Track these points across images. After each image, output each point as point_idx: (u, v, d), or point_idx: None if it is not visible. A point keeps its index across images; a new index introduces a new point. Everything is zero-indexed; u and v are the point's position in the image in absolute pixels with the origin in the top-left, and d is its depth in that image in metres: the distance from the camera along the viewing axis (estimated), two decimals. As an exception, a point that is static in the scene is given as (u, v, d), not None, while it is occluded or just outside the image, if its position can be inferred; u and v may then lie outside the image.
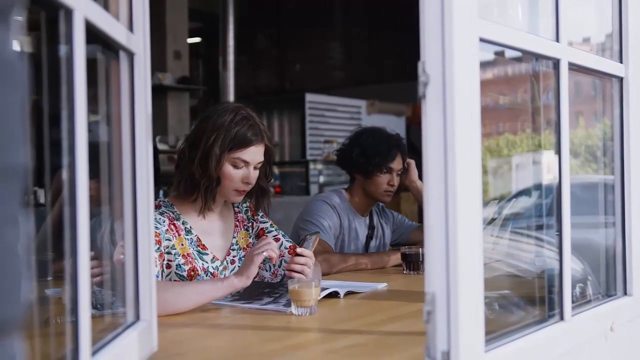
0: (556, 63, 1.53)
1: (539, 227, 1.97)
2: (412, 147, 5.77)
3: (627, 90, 1.83)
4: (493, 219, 2.27)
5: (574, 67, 1.60)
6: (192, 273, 2.20)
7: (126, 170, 1.37)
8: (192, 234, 2.26)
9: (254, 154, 2.24)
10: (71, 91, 1.01)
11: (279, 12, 10.43)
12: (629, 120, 1.83)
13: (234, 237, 2.38)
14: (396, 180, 3.06)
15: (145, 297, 1.40)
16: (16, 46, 0.59)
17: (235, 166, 2.22)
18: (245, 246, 2.40)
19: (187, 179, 2.23)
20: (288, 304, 1.94)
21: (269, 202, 2.40)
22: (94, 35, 1.12)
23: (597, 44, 2.13)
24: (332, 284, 2.20)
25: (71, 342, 1.02)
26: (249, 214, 2.45)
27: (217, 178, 2.21)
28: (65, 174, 1.02)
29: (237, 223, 2.41)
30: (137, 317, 1.39)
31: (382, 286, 2.38)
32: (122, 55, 1.35)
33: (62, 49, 1.02)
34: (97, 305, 1.38)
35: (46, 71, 1.04)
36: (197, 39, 10.36)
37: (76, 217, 1.01)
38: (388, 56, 9.44)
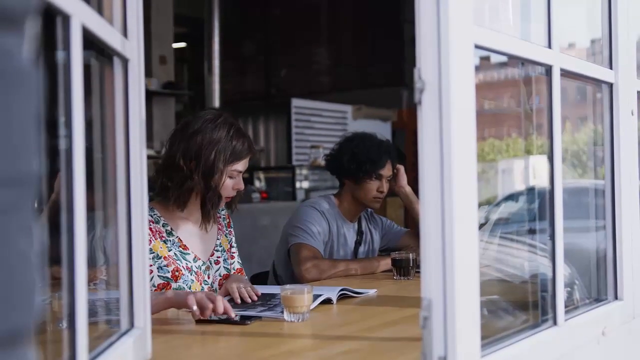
0: (548, 69, 1.54)
1: (528, 232, 1.98)
2: (398, 152, 5.77)
3: (617, 96, 1.85)
4: (482, 224, 2.28)
5: (565, 73, 1.61)
6: (177, 273, 2.25)
7: (120, 178, 1.37)
8: (173, 235, 2.30)
9: (246, 163, 2.35)
10: (68, 97, 1.01)
11: (264, 18, 10.43)
12: (619, 125, 1.85)
13: (218, 239, 2.45)
14: (385, 187, 3.06)
15: (139, 305, 1.39)
16: (29, 54, 0.59)
17: (231, 177, 2.31)
18: (226, 249, 2.48)
19: (186, 192, 2.27)
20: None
21: (239, 199, 2.47)
22: (89, 41, 1.12)
23: (585, 49, 2.14)
24: (324, 290, 2.20)
25: (68, 350, 1.02)
26: (225, 222, 2.53)
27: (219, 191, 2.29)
28: (62, 180, 1.02)
29: (220, 226, 2.49)
30: (132, 325, 1.38)
31: (372, 292, 2.38)
32: (116, 61, 1.34)
33: (59, 55, 1.02)
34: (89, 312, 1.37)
35: (42, 76, 1.04)
36: (182, 44, 10.34)
37: (73, 224, 1.01)
38: (374, 61, 9.47)
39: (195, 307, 1.83)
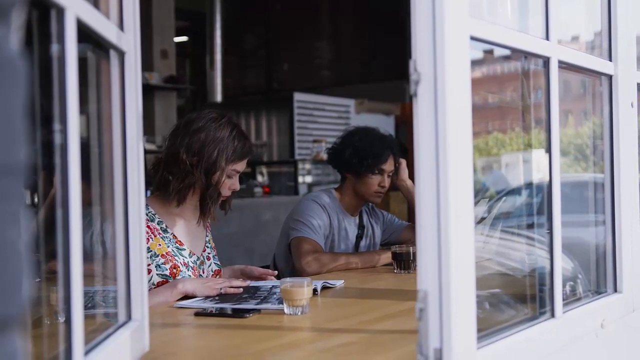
0: (546, 61, 1.54)
1: (529, 226, 1.98)
2: (401, 147, 5.78)
3: (616, 88, 1.84)
4: (483, 218, 2.28)
5: (563, 65, 1.60)
6: (174, 270, 2.28)
7: (117, 171, 1.37)
8: (168, 232, 2.33)
9: (245, 164, 2.40)
10: (63, 90, 1.01)
11: (266, 11, 10.43)
12: (618, 118, 1.84)
13: (207, 236, 2.50)
14: (387, 182, 3.06)
15: (136, 297, 1.40)
16: (16, 45, 0.59)
17: (229, 176, 2.35)
18: (213, 246, 2.53)
19: (187, 187, 2.30)
20: (281, 302, 1.93)
21: (232, 199, 2.49)
22: (84, 34, 1.12)
23: (586, 42, 2.14)
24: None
25: (64, 342, 1.02)
26: (209, 222, 2.55)
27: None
28: (57, 175, 1.02)
29: (208, 224, 2.52)
30: (129, 317, 1.38)
31: (339, 283, 2.41)
32: (113, 55, 1.34)
33: (54, 48, 1.02)
34: (87, 305, 1.37)
35: (36, 70, 1.04)
36: (184, 38, 10.34)
37: (69, 218, 1.01)
38: (376, 55, 9.46)
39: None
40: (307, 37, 10.09)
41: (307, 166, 7.80)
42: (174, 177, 2.29)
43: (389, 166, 3.06)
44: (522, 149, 2.00)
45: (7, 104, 0.56)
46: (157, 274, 2.24)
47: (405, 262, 2.69)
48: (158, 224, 2.32)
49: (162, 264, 2.25)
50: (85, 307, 1.14)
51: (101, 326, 1.35)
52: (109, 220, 1.41)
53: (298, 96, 8.37)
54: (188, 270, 2.30)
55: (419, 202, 1.19)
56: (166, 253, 2.27)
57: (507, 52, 1.58)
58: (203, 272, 2.39)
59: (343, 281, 2.45)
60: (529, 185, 2.14)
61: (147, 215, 2.29)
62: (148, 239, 2.24)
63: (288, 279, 1.98)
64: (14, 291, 0.56)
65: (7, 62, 0.56)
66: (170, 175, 2.29)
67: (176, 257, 2.29)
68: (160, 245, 2.28)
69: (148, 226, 2.26)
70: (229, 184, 2.36)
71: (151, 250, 2.24)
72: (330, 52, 10.13)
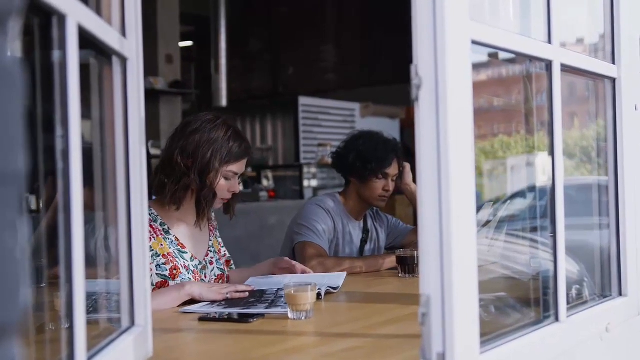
0: (549, 64, 1.54)
1: (534, 229, 1.97)
2: (406, 150, 5.77)
3: (620, 91, 1.84)
4: (488, 221, 2.27)
5: (566, 69, 1.60)
6: (175, 272, 2.28)
7: (120, 176, 1.37)
8: (170, 234, 2.34)
9: (243, 165, 2.38)
10: (65, 97, 1.01)
11: (271, 15, 10.42)
12: (622, 121, 1.84)
13: (210, 240, 2.49)
14: (391, 186, 3.06)
15: (140, 303, 1.40)
16: (14, 52, 0.59)
17: (226, 178, 2.34)
18: (217, 250, 2.52)
19: (182, 189, 2.30)
20: (287, 306, 1.93)
21: (236, 203, 2.49)
22: (86, 40, 1.12)
23: (590, 45, 2.13)
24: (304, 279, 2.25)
25: (67, 348, 1.02)
26: (215, 225, 2.57)
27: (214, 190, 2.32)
28: (58, 181, 1.02)
29: (211, 229, 2.53)
30: (132, 323, 1.38)
31: (342, 276, 2.45)
32: (115, 61, 1.35)
33: (55, 55, 1.02)
34: (90, 309, 1.37)
35: (39, 76, 1.04)
36: (189, 43, 10.34)
37: (70, 224, 1.01)
38: (381, 59, 9.45)
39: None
40: (311, 40, 10.09)
41: (313, 170, 7.80)
42: (169, 179, 2.29)
43: (393, 170, 3.06)
44: (527, 152, 2.00)
45: (5, 111, 0.56)
46: (156, 274, 2.24)
47: (409, 266, 2.69)
48: (161, 225, 2.32)
49: (163, 264, 2.26)
50: (88, 312, 1.14)
51: (104, 331, 1.35)
52: (112, 225, 1.42)
53: (303, 100, 8.37)
54: (188, 273, 2.31)
55: (421, 205, 1.19)
56: (167, 254, 2.28)
57: (511, 55, 1.58)
58: (205, 277, 2.39)
59: (345, 273, 2.47)
60: (534, 188, 2.14)
61: (150, 215, 2.30)
62: (150, 238, 2.24)
63: (292, 284, 1.98)
64: (11, 299, 0.57)
65: (4, 69, 0.57)
66: (166, 178, 2.30)
67: (177, 259, 2.30)
68: (162, 245, 2.29)
69: (151, 226, 2.28)
70: (228, 186, 2.35)
71: (153, 250, 2.25)
72: (334, 56, 10.12)
